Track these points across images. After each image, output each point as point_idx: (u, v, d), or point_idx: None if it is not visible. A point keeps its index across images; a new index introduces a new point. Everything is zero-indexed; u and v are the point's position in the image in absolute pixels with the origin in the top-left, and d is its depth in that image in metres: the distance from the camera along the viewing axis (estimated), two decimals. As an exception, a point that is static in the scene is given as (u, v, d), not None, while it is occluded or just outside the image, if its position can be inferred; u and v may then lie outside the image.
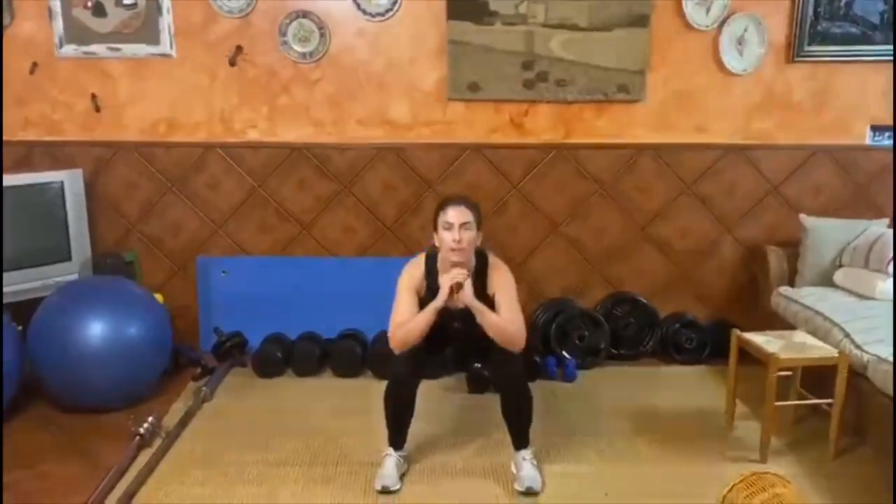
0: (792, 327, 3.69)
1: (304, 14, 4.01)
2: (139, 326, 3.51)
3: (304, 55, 4.06)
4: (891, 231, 3.77)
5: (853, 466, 3.14)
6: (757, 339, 3.31)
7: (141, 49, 4.04)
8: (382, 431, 3.12)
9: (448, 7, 3.98)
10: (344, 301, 4.28)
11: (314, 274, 4.30)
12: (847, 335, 3.34)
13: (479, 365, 3.81)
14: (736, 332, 3.40)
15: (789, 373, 3.41)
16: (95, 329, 3.37)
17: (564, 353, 4.07)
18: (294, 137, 4.17)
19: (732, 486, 1.79)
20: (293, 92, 4.12)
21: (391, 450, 3.03)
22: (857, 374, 3.19)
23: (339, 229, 4.29)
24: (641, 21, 4.00)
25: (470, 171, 4.18)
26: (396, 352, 2.98)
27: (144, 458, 3.12)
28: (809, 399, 3.31)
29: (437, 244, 2.99)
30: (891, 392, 2.98)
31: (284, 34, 4.02)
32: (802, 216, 4.05)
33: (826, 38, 4.03)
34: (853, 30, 4.01)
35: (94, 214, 4.14)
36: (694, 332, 4.22)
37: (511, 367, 2.96)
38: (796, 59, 4.05)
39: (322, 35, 4.03)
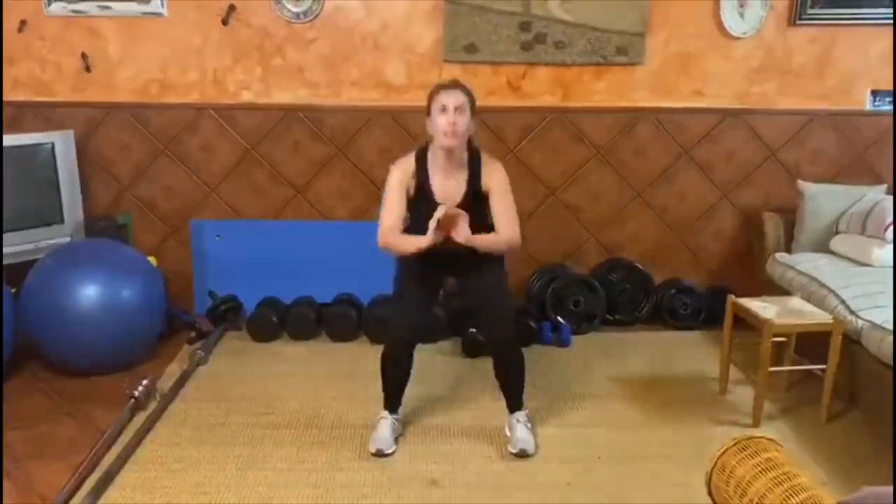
0: (788, 293, 3.69)
1: (298, -28, 3.93)
2: (133, 289, 3.49)
3: (298, 15, 3.98)
4: (889, 198, 3.75)
5: (845, 431, 3.17)
6: (752, 304, 3.30)
7: (132, 7, 3.96)
8: (377, 395, 3.13)
9: (444, -34, 3.91)
10: (338, 265, 4.26)
11: (308, 238, 4.27)
12: (842, 301, 3.34)
13: (475, 330, 3.81)
14: (731, 297, 3.40)
15: (784, 339, 3.42)
16: (89, 292, 3.35)
17: (559, 318, 4.07)
18: (288, 99, 4.11)
19: (725, 450, 1.79)
20: (287, 53, 4.05)
21: (386, 412, 3.04)
22: (851, 341, 3.20)
23: (334, 193, 4.25)
24: (642, -18, 3.93)
25: (466, 135, 4.13)
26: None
27: (140, 420, 3.13)
28: (803, 365, 3.32)
29: (429, 131, 2.87)
30: (885, 358, 2.99)
31: (278, -7, 3.95)
32: (800, 182, 4.02)
33: (829, 1, 3.96)
34: (856, -8, 3.95)
35: (85, 177, 4.10)
36: (689, 298, 4.22)
37: (503, 330, 2.95)
38: (798, 21, 3.99)
39: (316, -6, 3.96)
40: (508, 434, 3.03)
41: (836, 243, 3.86)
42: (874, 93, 4.10)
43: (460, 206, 2.82)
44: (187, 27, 4.00)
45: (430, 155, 2.90)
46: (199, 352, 3.74)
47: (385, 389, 3.04)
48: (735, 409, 3.35)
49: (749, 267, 4.26)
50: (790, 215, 4.09)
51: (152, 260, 3.96)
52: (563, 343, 3.96)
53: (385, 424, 3.01)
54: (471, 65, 4.04)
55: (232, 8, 3.96)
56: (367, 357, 3.83)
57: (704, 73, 4.08)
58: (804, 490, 1.62)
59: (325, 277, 4.24)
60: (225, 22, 3.98)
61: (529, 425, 3.02)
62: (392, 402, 3.05)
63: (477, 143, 3.01)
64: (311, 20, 4.00)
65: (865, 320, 3.17)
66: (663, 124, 4.15)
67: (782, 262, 3.91)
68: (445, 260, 2.87)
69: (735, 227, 4.30)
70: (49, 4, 3.94)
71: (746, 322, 3.35)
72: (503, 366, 2.99)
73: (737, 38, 4.02)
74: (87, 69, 4.04)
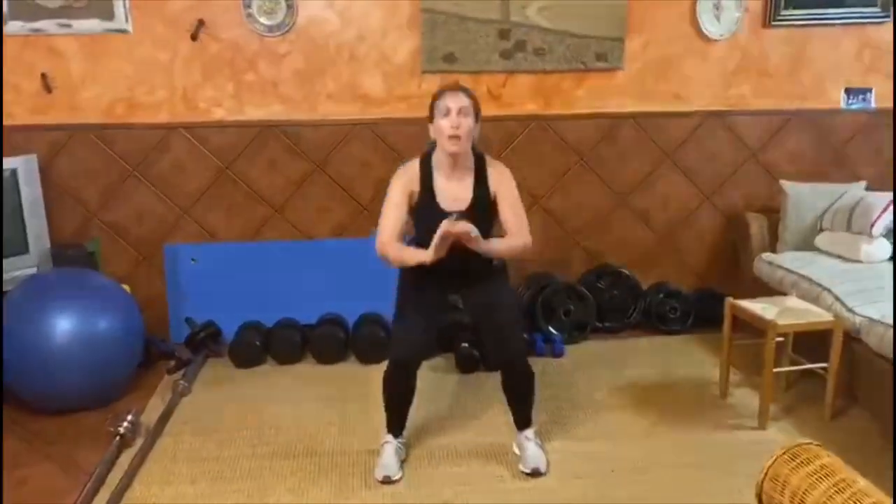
0: (776, 293, 3.69)
1: (270, -16, 3.80)
2: (110, 320, 3.31)
3: (270, 28, 3.86)
4: (872, 194, 3.78)
5: (849, 427, 3.16)
6: (752, 306, 3.29)
7: (94, 24, 3.77)
8: (377, 418, 3.02)
9: (421, -25, 3.84)
10: (321, 285, 4.12)
11: (288, 258, 4.12)
12: (837, 298, 3.35)
13: (467, 344, 3.72)
14: (729, 300, 3.38)
15: (781, 338, 3.41)
16: (64, 325, 3.16)
17: (551, 328, 4.00)
18: (263, 115, 3.97)
19: (775, 459, 1.73)
20: (260, 67, 3.92)
21: (390, 437, 2.92)
22: (850, 338, 3.20)
23: (314, 210, 4.12)
24: (618, -13, 3.92)
25: (448, 146, 4.05)
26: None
27: (127, 458, 2.95)
28: (803, 364, 3.31)
29: (432, 135, 2.75)
30: (887, 354, 2.99)
31: (249, 6, 3.81)
32: (783, 182, 4.05)
33: (800, 2, 4.01)
34: (827, -7, 4.01)
35: (50, 203, 3.87)
36: (677, 301, 4.20)
37: (512, 345, 2.86)
38: (772, 23, 4.02)
39: (289, 6, 3.83)
40: (518, 452, 2.94)
41: (822, 241, 3.89)
42: (848, 91, 4.15)
43: (468, 210, 2.72)
44: (154, 43, 3.84)
45: (434, 160, 2.79)
46: (181, 382, 3.56)
47: (388, 412, 2.92)
48: (738, 412, 3.32)
49: (734, 268, 4.27)
50: (773, 215, 4.11)
51: (125, 288, 3.77)
52: (557, 354, 3.90)
53: (390, 449, 2.89)
54: (450, 74, 3.96)
55: (201, 23, 3.81)
56: (358, 378, 3.71)
57: (683, 77, 4.09)
58: (866, 496, 1.57)
59: (307, 298, 4.10)
60: (194, 37, 3.82)
61: (539, 442, 2.94)
62: (395, 425, 2.93)
63: (480, 149, 2.90)
64: (283, 33, 3.87)
65: (863, 316, 3.18)
66: (644, 129, 4.13)
67: (770, 262, 3.92)
68: (450, 272, 2.74)
69: (718, 229, 4.31)
70: (5, 23, 3.73)
71: (737, 323, 3.35)
72: (514, 383, 2.89)
73: (713, 41, 4.04)
74: (48, 90, 3.83)
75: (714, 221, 4.30)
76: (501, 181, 2.80)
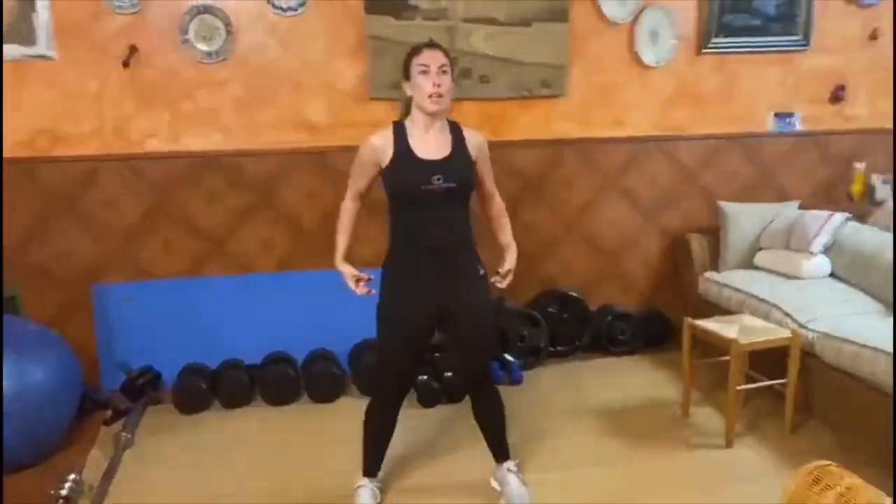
0: (722, 311, 3.79)
1: (206, 9, 3.63)
2: (44, 370, 3.03)
3: (209, 54, 3.68)
4: (807, 212, 3.94)
5: (810, 439, 3.24)
6: (711, 325, 3.34)
7: (14, 50, 3.50)
8: (346, 459, 2.90)
9: (366, 1, 3.76)
10: (266, 322, 3.93)
11: (231, 294, 3.92)
12: (788, 315, 3.46)
13: (426, 377, 3.62)
14: (688, 320, 3.43)
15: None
16: (-6, 379, 2.86)
17: (507, 355, 3.96)
18: (201, 145, 3.78)
19: (796, 485, 1.73)
20: (197, 96, 3.73)
21: (365, 480, 2.78)
22: (803, 352, 3.30)
23: (257, 243, 3.93)
24: (560, 15, 3.96)
25: (396, 174, 3.97)
26: None
27: (74, 524, 2.68)
28: (761, 380, 3.38)
29: (408, 92, 2.59)
30: (844, 367, 3.10)
31: (186, 32, 3.63)
32: (721, 203, 4.18)
33: (730, 31, 4.18)
34: (754, 22, 4.19)
35: (-36, 244, 3.55)
36: (625, 323, 4.24)
37: (481, 371, 2.76)
38: (704, 50, 4.17)
39: (228, 32, 3.67)
40: (498, 487, 2.85)
41: (761, 259, 4.03)
42: (776, 115, 4.35)
43: (447, 160, 2.55)
44: (81, 71, 3.59)
45: (408, 123, 2.62)
46: (123, 434, 3.25)
47: (368, 451, 2.79)
48: (702, 431, 3.36)
49: (677, 288, 4.36)
50: (712, 235, 4.24)
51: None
52: (515, 381, 3.85)
53: (366, 493, 2.75)
54: (398, 101, 3.88)
55: (133, 49, 3.60)
56: (313, 419, 3.55)
57: (623, 103, 4.17)
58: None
59: (252, 337, 3.90)
60: (126, 64, 3.60)
61: (520, 475, 2.86)
62: (373, 465, 2.79)
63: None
64: (222, 60, 3.71)
65: (816, 331, 3.30)
66: (588, 154, 4.19)
67: (716, 281, 4.03)
68: (437, 279, 2.59)
69: (660, 251, 4.40)
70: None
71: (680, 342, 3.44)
72: (488, 409, 2.80)
73: (651, 68, 4.14)
74: (-40, 121, 3.52)
75: (656, 243, 4.38)
76: (482, 147, 2.68)
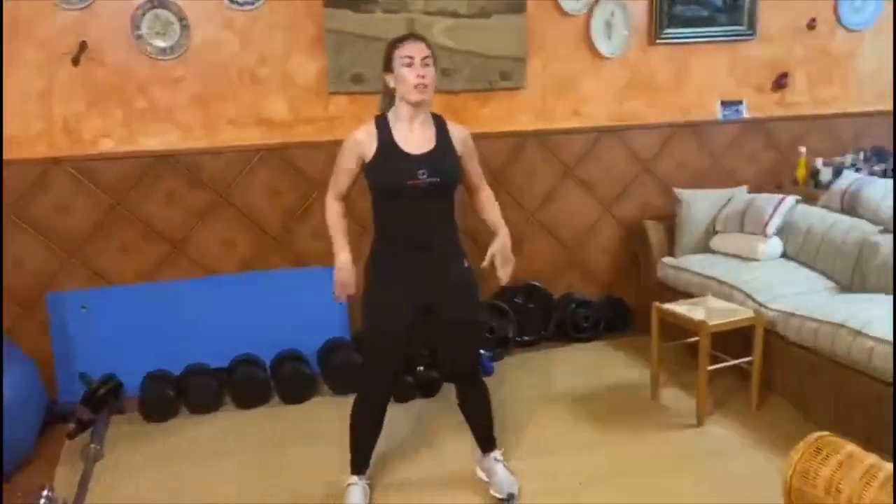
0: (682, 295, 3.90)
1: (160, 4, 3.51)
2: (8, 385, 2.88)
3: (163, 51, 3.57)
4: (759, 196, 4.09)
5: (775, 414, 3.38)
6: (678, 308, 3.44)
7: (-48, 48, 3.32)
8: (324, 459, 2.91)
9: (324, -6, 3.71)
10: (230, 324, 3.83)
11: (192, 297, 3.81)
12: (748, 295, 3.59)
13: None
14: (657, 304, 3.52)
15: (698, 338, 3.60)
16: (-45, 396, 2.71)
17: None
18: (157, 145, 3.66)
19: (801, 455, 1.80)
20: (152, 93, 3.61)
21: (355, 477, 2.76)
22: (765, 331, 3.42)
23: (217, 244, 3.84)
24: (518, 7, 3.99)
25: (359, 170, 3.94)
26: None
27: (52, 542, 2.57)
28: (725, 360, 3.49)
29: (392, 85, 2.54)
30: (805, 343, 3.24)
31: (139, 27, 3.50)
32: (676, 190, 4.29)
33: (680, 21, 4.29)
34: (703, 12, 4.31)
35: None
36: (588, 310, 4.33)
37: (474, 363, 2.80)
38: (657, 41, 4.27)
39: (183, 27, 3.56)
40: (485, 477, 2.88)
41: (717, 243, 4.16)
42: (724, 103, 4.49)
43: (432, 153, 2.53)
44: (27, 70, 3.43)
45: (391, 117, 2.58)
46: (92, 446, 3.17)
47: (356, 448, 2.76)
48: (673, 411, 3.46)
49: (635, 274, 4.47)
50: (668, 221, 4.35)
51: (9, 346, 3.31)
52: (487, 372, 3.86)
53: (356, 491, 2.73)
54: (359, 95, 3.86)
55: (83, 45, 3.45)
56: (288, 420, 3.50)
57: (581, 94, 4.24)
58: (899, 478, 1.66)
59: (216, 340, 3.79)
60: (76, 62, 3.46)
61: (507, 463, 2.89)
62: (361, 462, 2.77)
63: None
64: (178, 56, 3.59)
65: (776, 310, 3.43)
66: (548, 145, 4.24)
67: (674, 266, 4.14)
68: (415, 246, 2.58)
69: (619, 238, 4.49)
70: None
71: (646, 326, 3.55)
72: (475, 401, 2.83)
73: (606, 59, 4.22)
74: None
75: (614, 231, 4.47)
76: (466, 140, 2.66)
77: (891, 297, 3.23)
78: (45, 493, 2.72)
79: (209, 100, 3.69)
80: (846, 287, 3.60)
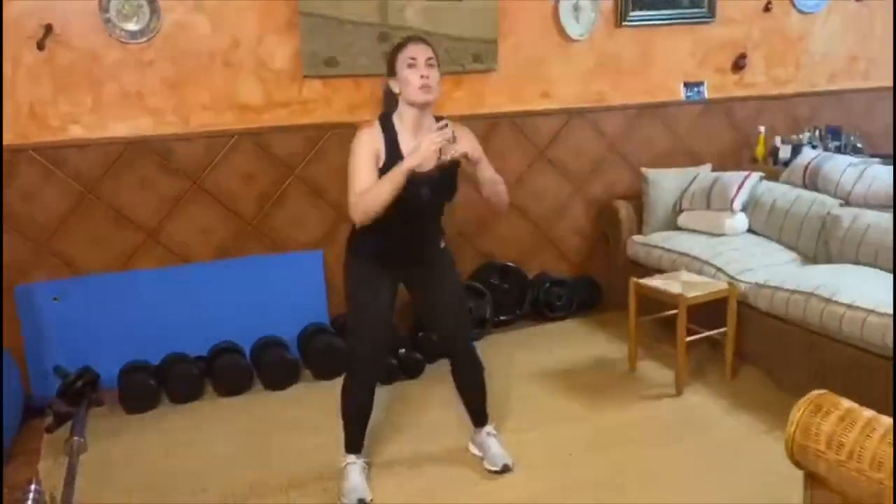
0: (654, 271, 4.00)
1: (128, -14, 3.43)
2: (-12, 379, 2.80)
3: (133, 34, 3.48)
4: (724, 174, 4.22)
5: (748, 382, 3.51)
6: (655, 283, 3.54)
7: None
8: (314, 442, 2.93)
9: (297, -24, 3.67)
10: (208, 312, 3.79)
11: (168, 286, 3.74)
12: (719, 269, 3.71)
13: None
14: (634, 280, 3.61)
15: (675, 311, 3.71)
16: (-64, 391, 2.62)
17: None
18: (128, 131, 3.58)
19: (802, 411, 1.89)
20: (123, 78, 3.52)
21: (352, 456, 2.77)
22: (738, 302, 3.55)
23: (193, 231, 3.78)
24: (489, -11, 4.03)
25: (334, 153, 3.91)
26: (359, 224, 2.52)
27: (46, 536, 2.51)
28: (700, 332, 3.60)
29: (395, 89, 2.55)
30: (777, 312, 3.38)
31: (107, 10, 3.41)
32: (643, 169, 4.40)
33: (645, 4, 4.38)
34: (665, -5, 4.43)
35: None
36: (562, 289, 4.41)
37: (465, 336, 2.85)
38: (623, 23, 4.35)
39: (153, 10, 3.48)
40: (477, 451, 2.93)
41: (684, 220, 4.28)
42: (686, 84, 4.61)
43: (436, 171, 2.53)
44: (-11, 54, 3.31)
45: (395, 118, 2.58)
46: (75, 438, 3.05)
47: (350, 428, 2.77)
48: (652, 383, 3.57)
49: (605, 253, 4.56)
50: (636, 201, 4.46)
51: (-18, 340, 3.21)
52: (467, 351, 3.92)
53: (355, 470, 2.74)
54: (332, 79, 3.84)
55: (48, 29, 3.34)
56: (272, 406, 3.50)
57: (550, 76, 4.29)
58: None
59: (194, 328, 3.74)
60: (41, 46, 3.35)
61: (499, 437, 2.94)
62: (357, 441, 2.79)
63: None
64: (149, 39, 3.51)
65: (747, 282, 3.56)
66: (519, 127, 4.29)
67: (644, 243, 4.24)
68: (402, 253, 2.63)
69: (589, 218, 4.57)
70: None
71: (617, 301, 3.65)
72: (469, 377, 2.87)
73: (575, 41, 4.28)
74: None
75: (584, 210, 4.56)
76: (473, 142, 2.64)
77: (857, 267, 3.40)
78: (32, 487, 2.65)
79: (181, 84, 3.62)
80: (811, 258, 3.76)
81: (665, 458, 2.92)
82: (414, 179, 2.46)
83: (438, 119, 2.62)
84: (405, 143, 2.54)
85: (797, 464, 1.94)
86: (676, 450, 2.97)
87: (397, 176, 2.40)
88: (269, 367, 3.64)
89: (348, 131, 3.82)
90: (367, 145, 2.52)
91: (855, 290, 3.11)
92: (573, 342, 4.08)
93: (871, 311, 2.97)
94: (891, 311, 2.90)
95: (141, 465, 3.02)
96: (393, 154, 2.51)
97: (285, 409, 3.45)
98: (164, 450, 3.13)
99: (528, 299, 4.37)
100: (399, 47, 2.55)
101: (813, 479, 1.94)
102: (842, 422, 1.84)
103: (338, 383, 3.57)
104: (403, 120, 2.57)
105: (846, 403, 1.90)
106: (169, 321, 3.73)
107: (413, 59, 2.48)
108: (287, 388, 3.64)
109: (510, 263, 4.37)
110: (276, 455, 3.05)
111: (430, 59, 2.50)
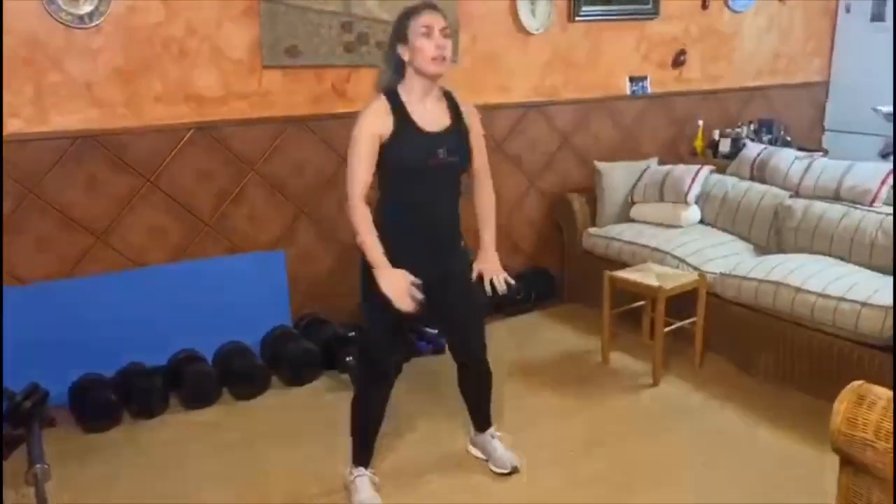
0: (611, 263, 4.07)
1: (73, -35, 3.12)
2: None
3: (79, 18, 3.16)
4: (674, 167, 4.35)
5: (716, 369, 3.64)
6: (630, 276, 3.61)
7: None
8: (306, 454, 2.85)
9: (257, -39, 3.46)
10: (164, 319, 3.53)
11: (120, 293, 3.45)
12: (682, 260, 3.83)
13: (351, 358, 3.50)
14: (608, 273, 3.66)
15: (643, 302, 3.80)
16: None
17: (426, 328, 3.94)
18: (74, 124, 3.26)
19: (846, 403, 1.97)
20: (67, 66, 3.20)
21: (361, 469, 2.66)
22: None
23: (145, 232, 3.50)
24: (448, -19, 3.95)
25: (295, 147, 3.75)
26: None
27: (34, 579, 2.27)
28: (672, 323, 3.69)
29: (405, 57, 2.40)
30: (744, 301, 3.52)
31: (51, -9, 3.09)
32: (596, 163, 4.47)
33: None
34: (613, -9, 4.50)
35: None
36: (520, 283, 4.40)
37: (481, 346, 2.78)
38: (576, 18, 4.39)
39: (101, -8, 3.19)
40: (479, 455, 2.90)
41: (637, 212, 4.38)
42: (631, 79, 4.72)
43: (448, 131, 2.46)
44: (-87, 37, 2.92)
45: (401, 90, 2.45)
46: (38, 466, 2.78)
47: (361, 440, 2.66)
48: (627, 374, 3.64)
49: (558, 245, 4.62)
50: (589, 194, 4.53)
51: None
52: (439, 350, 3.86)
53: (364, 483, 2.64)
54: (293, 69, 3.66)
55: (-17, 10, 2.99)
56: (248, 416, 3.31)
57: (508, 70, 4.28)
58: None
59: (150, 336, 3.48)
60: (-25, 30, 2.99)
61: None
62: (367, 453, 2.67)
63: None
64: (96, 24, 3.21)
65: (712, 273, 3.69)
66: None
67: (601, 235, 4.32)
68: (424, 246, 2.52)
69: (542, 211, 4.61)
70: None
71: (579, 294, 3.76)
72: (479, 385, 2.82)
73: (531, 35, 4.28)
74: None
75: (539, 204, 4.59)
76: (476, 117, 2.60)
77: (813, 256, 3.60)
78: (10, 525, 2.39)
79: (132, 74, 3.34)
80: (764, 248, 3.95)
81: (660, 447, 2.99)
82: (429, 138, 2.41)
83: (446, 92, 2.55)
84: (415, 111, 2.43)
85: (838, 451, 2.02)
86: (670, 438, 3.06)
87: (369, 257, 2.40)
88: (237, 375, 3.43)
89: (310, 125, 3.76)
90: (368, 130, 2.39)
91: (822, 278, 3.29)
92: (539, 337, 4.10)
93: (841, 298, 3.15)
94: (876, 300, 3.06)
95: (124, 489, 2.78)
96: (403, 123, 2.41)
97: (262, 420, 3.27)
98: (140, 472, 2.89)
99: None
100: (411, 13, 2.40)
101: (854, 466, 2.03)
102: (886, 411, 1.93)
103: (310, 389, 3.52)
104: (411, 90, 2.45)
105: (886, 393, 1.99)
106: (122, 330, 3.44)
107: (428, 27, 2.36)
108: (258, 396, 3.45)
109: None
110: (269, 469, 2.88)
111: (444, 28, 2.39)
